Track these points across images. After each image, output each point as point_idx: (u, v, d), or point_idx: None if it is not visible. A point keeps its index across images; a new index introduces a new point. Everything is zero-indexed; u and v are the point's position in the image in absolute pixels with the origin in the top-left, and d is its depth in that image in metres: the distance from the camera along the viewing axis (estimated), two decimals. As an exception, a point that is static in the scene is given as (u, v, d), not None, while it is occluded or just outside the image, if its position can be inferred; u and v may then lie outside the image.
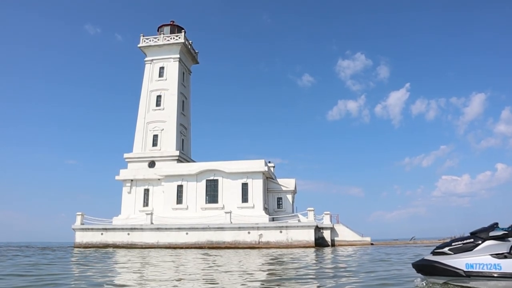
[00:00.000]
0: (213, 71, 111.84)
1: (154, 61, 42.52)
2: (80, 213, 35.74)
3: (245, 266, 11.52)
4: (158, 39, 42.61)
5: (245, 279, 7.78)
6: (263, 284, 6.95)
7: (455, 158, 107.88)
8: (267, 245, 30.84)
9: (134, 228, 33.86)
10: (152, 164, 38.70)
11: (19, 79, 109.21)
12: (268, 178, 37.43)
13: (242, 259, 14.79)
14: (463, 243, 4.89)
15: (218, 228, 32.27)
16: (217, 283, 7.23)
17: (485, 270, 4.55)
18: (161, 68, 42.23)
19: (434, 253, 5.15)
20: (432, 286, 5.08)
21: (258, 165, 35.04)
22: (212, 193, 35.32)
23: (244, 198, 34.56)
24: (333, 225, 33.52)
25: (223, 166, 35.36)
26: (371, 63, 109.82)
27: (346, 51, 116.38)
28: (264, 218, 33.12)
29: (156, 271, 9.94)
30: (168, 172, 36.23)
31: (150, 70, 42.35)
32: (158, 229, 33.29)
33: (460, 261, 4.74)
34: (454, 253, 4.88)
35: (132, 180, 38.20)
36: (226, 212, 33.21)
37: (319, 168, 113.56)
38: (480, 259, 4.63)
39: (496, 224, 4.88)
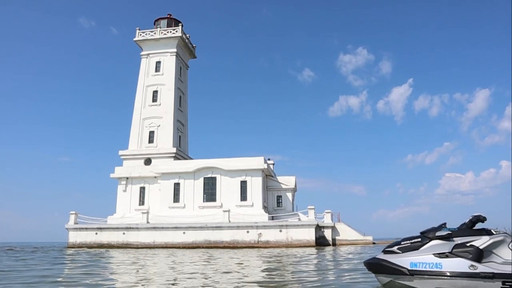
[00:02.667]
0: (211, 66, 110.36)
1: (150, 55, 41.64)
2: (73, 212, 35.01)
3: (243, 266, 11.21)
4: (155, 33, 41.74)
5: (243, 280, 7.52)
6: (262, 285, 6.69)
7: (459, 155, 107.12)
8: (267, 245, 30.36)
9: (130, 228, 33.22)
10: (148, 162, 37.97)
11: (9, 75, 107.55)
12: (268, 176, 36.84)
13: (240, 259, 14.38)
14: (411, 242, 4.99)
15: (216, 227, 31.71)
16: (215, 284, 6.93)
17: (427, 269, 4.66)
18: (158, 63, 41.39)
19: (385, 251, 5.23)
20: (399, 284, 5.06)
21: (257, 162, 34.43)
22: (210, 191, 34.71)
23: (243, 196, 33.98)
24: (334, 224, 33.08)
25: (221, 164, 34.70)
26: (373, 58, 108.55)
27: (347, 45, 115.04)
28: (264, 217, 32.55)
29: (152, 272, 9.64)
30: (165, 169, 35.55)
31: (146, 65, 41.51)
32: (154, 228, 32.66)
33: (405, 260, 4.85)
34: (402, 252, 4.98)
35: (127, 178, 37.41)
36: (224, 211, 32.68)
37: (320, 166, 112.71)
38: (423, 258, 4.73)
39: (444, 224, 4.97)
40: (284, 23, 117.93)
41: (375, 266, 5.24)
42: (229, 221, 31.95)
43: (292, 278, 7.80)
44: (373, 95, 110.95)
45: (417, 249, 4.89)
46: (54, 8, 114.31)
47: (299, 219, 32.83)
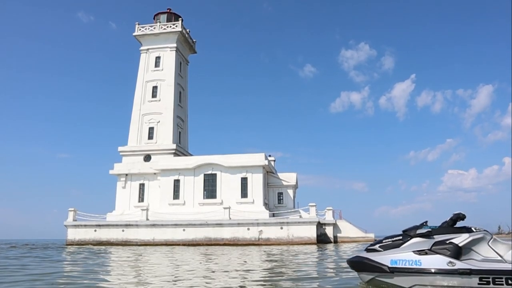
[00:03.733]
0: (211, 61, 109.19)
1: (150, 50, 41.21)
2: (72, 209, 34.69)
3: (244, 263, 11.07)
4: (154, 28, 41.29)
5: (244, 277, 7.46)
6: (262, 283, 6.63)
7: (462, 152, 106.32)
8: (267, 242, 30.06)
9: (129, 225, 32.90)
10: (147, 158, 37.64)
11: (6, 70, 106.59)
12: (269, 172, 36.53)
13: (241, 257, 14.18)
14: (393, 241, 5.07)
15: (216, 224, 31.41)
16: (214, 282, 6.85)
17: (407, 266, 4.72)
18: (157, 58, 40.97)
19: (367, 250, 5.31)
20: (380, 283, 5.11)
21: (258, 158, 34.12)
22: (210, 188, 34.41)
23: (244, 193, 33.69)
24: (335, 221, 32.86)
25: (222, 160, 34.36)
26: (376, 54, 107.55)
27: (349, 40, 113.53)
28: (264, 214, 32.24)
29: (151, 270, 9.50)
30: (165, 166, 35.21)
31: (145, 60, 41.10)
32: (154, 225, 32.35)
33: (386, 258, 4.92)
34: (383, 250, 5.06)
35: (126, 175, 37.08)
36: (224, 208, 32.32)
37: (321, 162, 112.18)
38: (403, 255, 4.80)
39: (426, 222, 5.05)
40: (285, 18, 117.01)
41: (357, 264, 5.28)
42: (230, 218, 31.64)
43: (293, 276, 7.65)
44: (375, 91, 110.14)
45: (398, 247, 4.96)
46: (52, 2, 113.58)
47: (300, 216, 32.59)
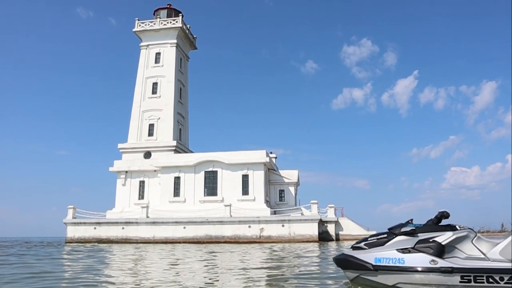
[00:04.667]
0: (212, 57, 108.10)
1: (150, 46, 40.85)
2: (71, 206, 34.39)
3: (245, 262, 10.93)
4: (154, 23, 40.92)
5: (245, 276, 7.37)
6: (263, 281, 6.59)
7: (465, 149, 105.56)
8: (269, 240, 29.87)
9: (129, 222, 32.66)
10: (147, 155, 37.36)
11: (4, 67, 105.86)
12: (270, 170, 36.27)
13: (242, 255, 13.96)
14: (378, 238, 5.08)
15: (217, 222, 31.19)
16: (215, 281, 6.79)
17: (390, 264, 4.75)
18: (157, 54, 40.61)
19: (353, 247, 5.31)
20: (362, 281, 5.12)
21: (259, 155, 33.84)
22: (211, 185, 34.15)
23: (245, 191, 33.44)
24: (337, 219, 32.62)
25: (223, 157, 34.10)
26: (378, 50, 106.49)
27: (351, 36, 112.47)
28: (266, 211, 32.02)
29: (151, 268, 9.41)
30: (165, 163, 34.94)
31: (145, 56, 40.75)
32: (154, 223, 32.11)
33: (370, 256, 4.94)
34: (368, 248, 5.07)
35: (126, 172, 36.78)
36: (225, 205, 32.12)
37: (323, 159, 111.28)
38: (387, 253, 4.82)
39: (411, 220, 5.04)
40: (286, 14, 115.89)
41: (343, 262, 5.31)
42: (231, 216, 31.43)
43: (295, 274, 7.52)
44: (378, 88, 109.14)
45: (383, 245, 4.97)
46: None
47: (302, 214, 32.33)
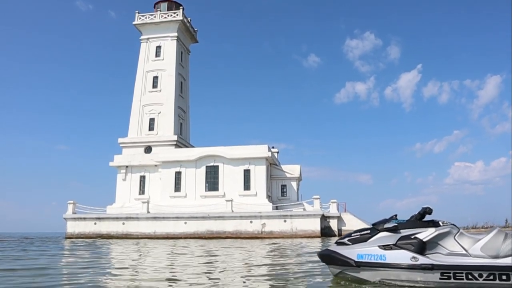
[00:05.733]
0: (213, 51, 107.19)
1: (150, 39, 40.42)
2: (71, 201, 34.26)
3: (246, 257, 10.80)
4: (155, 16, 40.47)
5: (246, 271, 7.35)
6: (265, 278, 6.47)
7: (469, 143, 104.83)
8: (271, 235, 29.63)
9: (130, 217, 32.47)
10: (148, 150, 37.08)
11: (3, 61, 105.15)
12: (272, 164, 35.98)
13: (243, 250, 13.77)
14: (361, 234, 5.09)
15: (218, 217, 30.97)
16: (216, 277, 6.70)
17: (372, 261, 4.78)
18: (158, 47, 40.20)
19: (337, 243, 5.33)
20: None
21: (261, 150, 33.59)
22: (212, 180, 33.89)
23: (246, 186, 33.23)
24: (340, 214, 32.30)
25: (224, 152, 33.81)
26: (381, 43, 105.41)
27: (354, 30, 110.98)
28: (267, 207, 31.78)
29: (151, 263, 9.32)
30: (166, 158, 34.67)
31: (146, 50, 40.35)
32: (155, 218, 31.91)
33: (353, 252, 4.97)
34: (352, 244, 5.08)
35: (127, 167, 36.52)
36: (227, 200, 31.90)
37: (325, 154, 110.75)
38: (369, 250, 4.85)
39: (395, 216, 5.06)
40: (288, 7, 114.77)
41: (326, 257, 5.35)
42: (232, 211, 31.20)
43: (297, 271, 7.29)
44: (381, 82, 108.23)
45: (366, 241, 4.98)
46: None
47: (304, 209, 32.15)
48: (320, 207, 31.44)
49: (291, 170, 36.55)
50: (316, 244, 18.40)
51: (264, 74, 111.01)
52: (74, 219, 33.57)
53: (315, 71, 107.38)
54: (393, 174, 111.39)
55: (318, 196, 31.60)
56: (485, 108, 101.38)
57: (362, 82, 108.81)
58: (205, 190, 33.83)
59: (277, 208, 32.84)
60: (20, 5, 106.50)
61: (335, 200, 32.42)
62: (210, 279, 6.33)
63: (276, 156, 38.14)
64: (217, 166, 34.01)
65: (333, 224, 31.72)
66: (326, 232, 30.94)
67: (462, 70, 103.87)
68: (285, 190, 36.05)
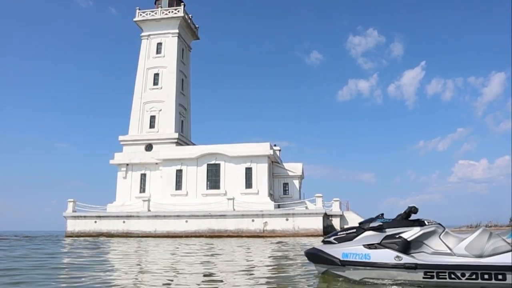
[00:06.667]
0: (214, 48, 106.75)
1: (151, 36, 40.10)
2: (71, 200, 33.99)
3: (248, 256, 10.77)
4: (156, 13, 40.16)
5: (248, 271, 7.28)
6: (267, 276, 6.49)
7: (473, 141, 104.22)
8: (273, 234, 29.40)
9: (130, 216, 32.25)
10: (149, 147, 36.83)
11: (2, 58, 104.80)
12: (274, 163, 35.69)
13: (245, 249, 13.67)
14: (347, 233, 5.11)
15: (220, 215, 30.74)
16: (217, 276, 6.65)
17: (357, 260, 4.80)
18: (159, 44, 39.89)
19: (323, 242, 5.38)
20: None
21: (263, 148, 33.31)
22: (213, 178, 33.63)
23: (248, 184, 32.96)
24: (342, 213, 32.04)
25: (226, 150, 33.56)
26: (384, 40, 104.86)
27: (357, 26, 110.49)
28: (269, 205, 31.53)
29: (153, 263, 9.22)
30: (167, 155, 34.41)
31: (146, 46, 40.04)
32: (155, 216, 31.67)
33: (338, 251, 5.00)
34: (338, 243, 5.11)
35: (127, 165, 36.25)
36: (228, 199, 31.69)
37: (328, 152, 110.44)
38: (354, 249, 4.87)
39: (381, 214, 5.07)
40: (291, 3, 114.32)
41: (312, 256, 5.37)
42: (234, 210, 30.99)
43: (299, 270, 7.10)
44: (384, 79, 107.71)
45: (351, 239, 5.00)
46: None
47: (306, 208, 31.84)
48: (323, 206, 31.19)
49: (293, 168, 36.28)
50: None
51: (266, 71, 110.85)
52: (74, 217, 33.32)
53: (317, 68, 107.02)
54: (396, 172, 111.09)
55: (320, 195, 31.31)
56: (489, 106, 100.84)
57: (365, 80, 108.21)
58: (206, 188, 33.56)
59: (279, 206, 32.58)
60: (20, 2, 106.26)
61: (337, 199, 32.18)
62: (212, 279, 6.18)
63: (278, 154, 37.85)
64: (219, 164, 33.75)
65: (336, 222, 31.42)
66: (328, 230, 30.57)
67: (466, 67, 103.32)
68: (287, 188, 35.77)
